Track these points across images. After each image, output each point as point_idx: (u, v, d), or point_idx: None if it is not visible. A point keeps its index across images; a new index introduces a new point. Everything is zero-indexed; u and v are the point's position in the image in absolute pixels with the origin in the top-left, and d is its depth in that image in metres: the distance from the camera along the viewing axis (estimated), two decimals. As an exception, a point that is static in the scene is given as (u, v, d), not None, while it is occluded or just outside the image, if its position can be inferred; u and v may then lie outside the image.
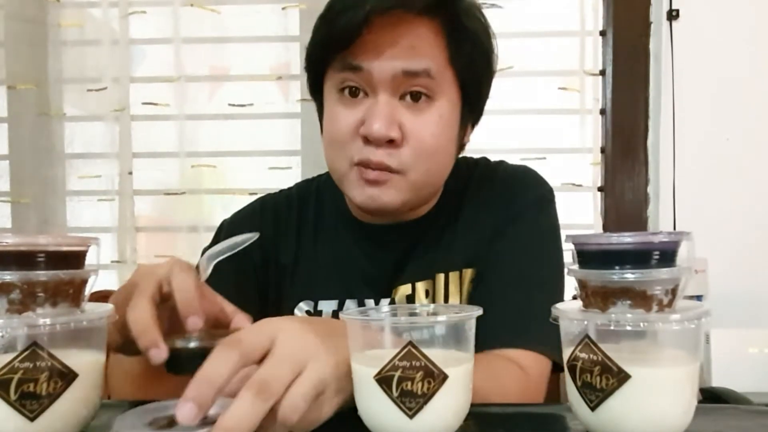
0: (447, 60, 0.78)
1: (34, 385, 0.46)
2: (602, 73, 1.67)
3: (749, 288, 1.57)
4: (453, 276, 0.86)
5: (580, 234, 0.52)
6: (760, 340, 1.38)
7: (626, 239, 0.49)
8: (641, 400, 0.47)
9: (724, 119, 1.61)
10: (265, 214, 0.94)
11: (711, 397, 1.14)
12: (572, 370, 0.50)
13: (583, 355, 0.49)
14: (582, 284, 0.51)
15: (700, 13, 1.60)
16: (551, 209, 0.90)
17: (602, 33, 1.67)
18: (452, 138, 0.82)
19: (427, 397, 0.48)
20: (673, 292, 0.49)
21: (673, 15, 1.60)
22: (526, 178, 0.91)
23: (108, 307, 0.53)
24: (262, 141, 1.71)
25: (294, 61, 1.69)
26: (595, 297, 0.50)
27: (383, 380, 0.48)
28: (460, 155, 0.90)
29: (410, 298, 0.86)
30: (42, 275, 0.48)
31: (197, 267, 0.63)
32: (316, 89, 0.85)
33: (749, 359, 1.37)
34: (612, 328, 0.48)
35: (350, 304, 0.87)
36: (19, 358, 0.46)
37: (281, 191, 0.99)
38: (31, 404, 0.46)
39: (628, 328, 0.47)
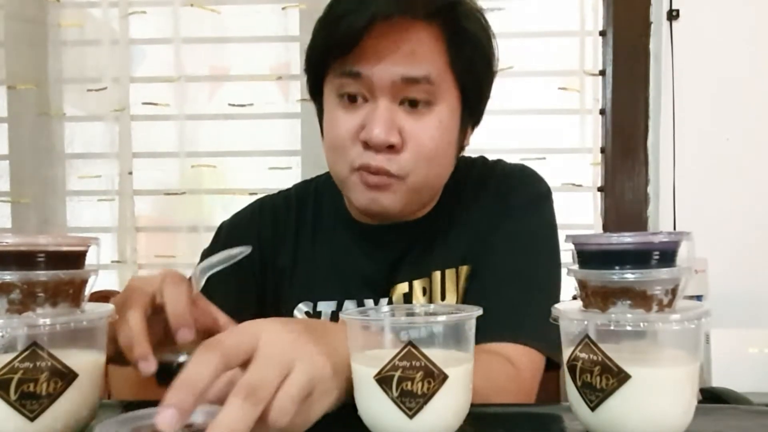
0: (447, 64, 0.78)
1: (34, 385, 0.46)
2: (602, 73, 1.67)
3: (749, 288, 1.57)
4: (449, 273, 0.86)
5: (580, 234, 0.52)
6: (760, 340, 1.38)
7: (626, 239, 0.49)
8: (641, 400, 0.47)
9: (724, 119, 1.61)
10: (264, 215, 0.94)
11: (711, 397, 1.14)
12: (572, 370, 0.50)
13: (583, 355, 0.49)
14: (582, 284, 0.51)
15: (700, 13, 1.60)
16: (547, 207, 0.90)
17: (602, 33, 1.67)
18: (452, 142, 0.82)
19: (427, 397, 0.48)
20: (673, 292, 0.49)
21: (673, 15, 1.60)
22: (523, 176, 0.91)
23: (108, 307, 0.53)
24: (262, 141, 1.71)
25: (294, 61, 1.69)
26: (595, 297, 0.50)
27: (383, 380, 0.48)
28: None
29: (407, 297, 0.86)
30: (42, 275, 0.48)
31: (190, 279, 0.63)
32: (315, 91, 0.85)
33: (749, 359, 1.37)
34: (612, 328, 0.48)
35: (349, 304, 0.87)
36: (19, 358, 0.46)
37: (279, 192, 0.99)
38: (31, 404, 0.46)
39: (628, 328, 0.48)
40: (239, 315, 0.64)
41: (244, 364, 0.47)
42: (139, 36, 1.71)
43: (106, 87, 1.66)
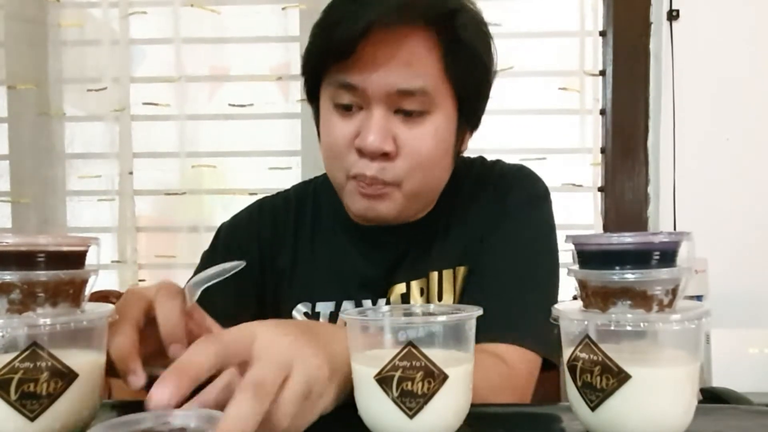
0: (443, 72, 0.77)
1: (34, 385, 0.46)
2: (602, 73, 1.67)
3: (749, 288, 1.57)
4: (447, 274, 0.86)
5: (580, 234, 0.52)
6: (760, 340, 1.38)
7: (626, 239, 0.49)
8: (641, 400, 0.47)
9: (724, 119, 1.61)
10: (263, 216, 0.94)
11: (711, 397, 1.14)
12: (572, 370, 0.50)
13: (583, 355, 0.49)
14: (582, 284, 0.51)
15: (700, 13, 1.60)
16: (545, 207, 0.90)
17: (602, 33, 1.67)
18: (448, 148, 0.82)
19: (427, 397, 0.48)
20: (674, 292, 0.49)
21: (673, 15, 1.60)
22: (521, 176, 0.91)
23: (108, 307, 0.53)
24: (262, 141, 1.71)
25: (294, 61, 1.69)
26: (596, 297, 0.50)
27: (383, 380, 0.48)
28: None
29: (405, 297, 0.86)
30: (42, 275, 0.48)
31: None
32: (312, 95, 0.84)
33: (749, 359, 1.37)
34: (612, 328, 0.48)
35: (347, 305, 0.87)
36: (20, 358, 0.46)
37: (278, 193, 0.99)
38: (31, 404, 0.46)
39: (629, 328, 0.47)
40: (239, 315, 0.64)
41: (240, 366, 0.47)
42: (139, 36, 1.71)
43: (106, 87, 1.66)
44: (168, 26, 1.67)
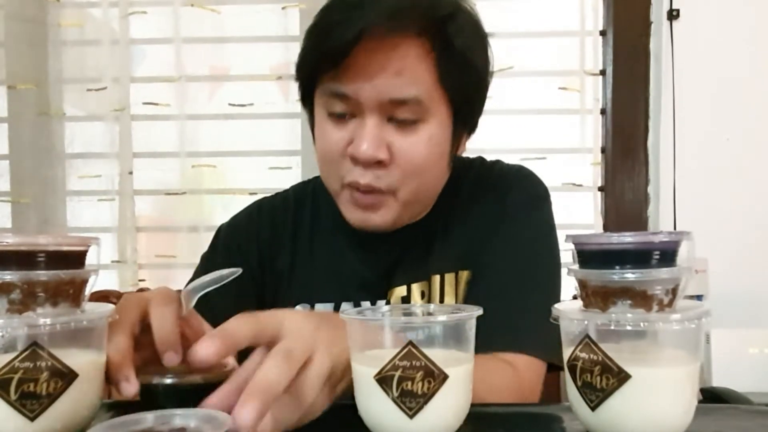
0: (436, 79, 0.76)
1: (34, 385, 0.46)
2: (602, 73, 1.67)
3: (749, 288, 1.57)
4: (449, 277, 0.86)
5: (580, 234, 0.52)
6: (760, 340, 1.38)
7: (626, 239, 0.49)
8: (641, 400, 0.47)
9: (724, 119, 1.61)
10: (262, 217, 0.94)
11: (711, 397, 1.14)
12: (572, 370, 0.50)
13: (583, 355, 0.49)
14: (582, 284, 0.51)
15: (700, 13, 1.60)
16: (545, 208, 0.89)
17: (602, 33, 1.67)
18: (444, 154, 0.81)
19: (427, 397, 0.48)
20: (674, 292, 0.49)
21: (673, 15, 1.60)
22: (521, 176, 0.91)
23: (108, 307, 0.53)
24: (262, 141, 1.71)
25: (294, 60, 1.68)
26: (596, 297, 0.50)
27: (383, 380, 0.48)
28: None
29: (405, 300, 0.86)
30: (42, 275, 0.48)
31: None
32: (307, 99, 0.84)
33: (749, 359, 1.37)
34: (612, 328, 0.48)
35: (346, 306, 0.87)
36: (20, 358, 0.46)
37: (277, 194, 0.98)
38: (31, 404, 0.46)
39: (629, 328, 0.47)
40: None
41: (269, 345, 0.50)
42: (140, 36, 1.71)
43: (106, 87, 1.66)
44: (168, 26, 1.67)
